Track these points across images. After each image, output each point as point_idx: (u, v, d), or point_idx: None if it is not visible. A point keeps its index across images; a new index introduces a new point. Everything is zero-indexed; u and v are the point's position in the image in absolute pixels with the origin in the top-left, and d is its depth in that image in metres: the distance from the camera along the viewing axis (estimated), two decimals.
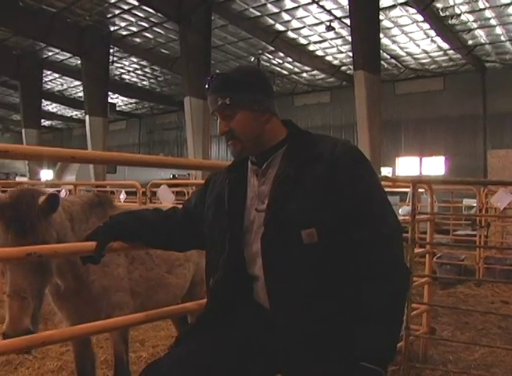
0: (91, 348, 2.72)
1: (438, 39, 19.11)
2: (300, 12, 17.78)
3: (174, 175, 22.74)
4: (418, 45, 20.28)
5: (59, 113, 36.27)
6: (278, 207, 1.66)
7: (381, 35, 16.18)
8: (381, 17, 15.95)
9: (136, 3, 17.29)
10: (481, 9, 16.46)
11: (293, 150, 1.74)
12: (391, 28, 18.46)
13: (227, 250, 1.76)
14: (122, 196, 9.11)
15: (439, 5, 16.32)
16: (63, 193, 8.17)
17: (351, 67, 17.95)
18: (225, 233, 1.77)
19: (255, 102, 1.73)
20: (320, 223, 1.61)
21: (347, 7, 15.36)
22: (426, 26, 17.89)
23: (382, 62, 17.49)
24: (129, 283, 2.65)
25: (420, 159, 24.20)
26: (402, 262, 1.67)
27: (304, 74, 24.64)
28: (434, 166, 23.63)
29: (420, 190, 6.87)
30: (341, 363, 1.57)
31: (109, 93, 24.60)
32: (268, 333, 1.69)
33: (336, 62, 22.97)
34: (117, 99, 31.51)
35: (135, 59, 24.07)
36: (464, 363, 4.26)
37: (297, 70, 24.29)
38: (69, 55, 22.62)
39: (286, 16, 18.18)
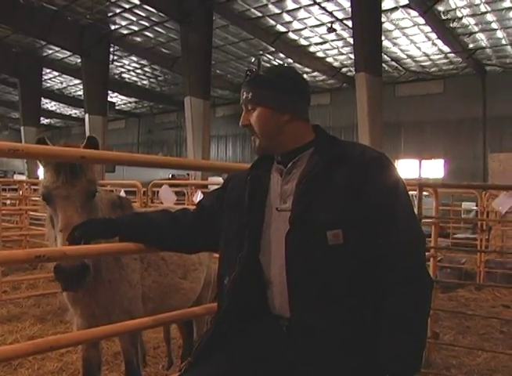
0: (99, 349, 2.69)
1: (439, 42, 19.13)
2: (301, 14, 17.75)
3: (173, 175, 22.71)
4: (419, 48, 20.29)
5: (58, 111, 36.24)
6: (304, 205, 1.63)
7: (382, 37, 16.16)
8: (383, 19, 15.96)
9: (137, 2, 17.22)
10: (482, 13, 16.48)
11: (320, 151, 1.72)
12: (392, 30, 18.44)
13: (246, 247, 1.72)
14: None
15: (441, 8, 16.32)
16: None
17: (352, 69, 17.97)
18: (244, 229, 1.73)
19: (275, 101, 1.73)
20: (346, 224, 1.58)
21: (349, 9, 15.38)
22: (427, 29, 17.89)
23: (383, 64, 17.45)
24: (142, 289, 2.63)
25: (420, 161, 24.20)
26: (425, 269, 1.65)
27: (305, 76, 24.36)
28: (434, 169, 23.62)
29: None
30: (368, 370, 1.55)
31: (109, 92, 24.56)
32: (286, 342, 1.65)
33: (336, 64, 22.97)
34: (116, 98, 31.47)
35: (135, 58, 24.01)
36: (467, 368, 4.26)
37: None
38: (69, 53, 22.56)
39: (287, 17, 18.14)
